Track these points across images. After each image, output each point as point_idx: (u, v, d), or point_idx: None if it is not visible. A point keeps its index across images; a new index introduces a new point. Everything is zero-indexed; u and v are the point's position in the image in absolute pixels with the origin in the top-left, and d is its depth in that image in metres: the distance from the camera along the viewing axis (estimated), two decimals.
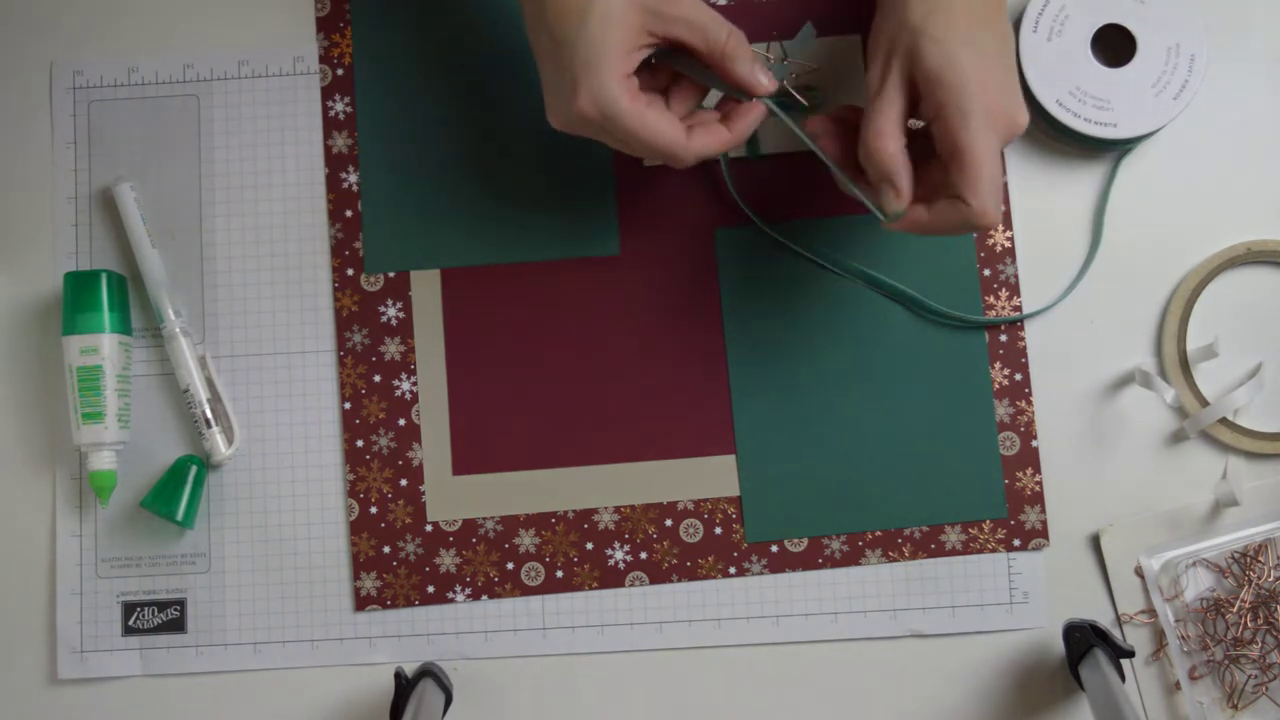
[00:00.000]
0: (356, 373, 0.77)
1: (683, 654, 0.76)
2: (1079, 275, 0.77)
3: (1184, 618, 0.75)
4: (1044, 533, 0.76)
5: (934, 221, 0.65)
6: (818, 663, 0.76)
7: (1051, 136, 0.77)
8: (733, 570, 0.76)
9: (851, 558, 0.76)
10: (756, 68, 0.66)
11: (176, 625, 0.77)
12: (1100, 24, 0.75)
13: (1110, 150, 0.77)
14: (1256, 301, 0.77)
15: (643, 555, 0.76)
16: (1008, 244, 0.77)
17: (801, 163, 0.77)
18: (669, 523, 0.76)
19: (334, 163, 0.78)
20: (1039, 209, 0.77)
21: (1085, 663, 0.72)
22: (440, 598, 0.76)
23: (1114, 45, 0.76)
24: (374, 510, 0.77)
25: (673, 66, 0.68)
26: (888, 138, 0.64)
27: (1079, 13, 0.75)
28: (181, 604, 0.77)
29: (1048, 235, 0.77)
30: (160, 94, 0.79)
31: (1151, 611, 0.75)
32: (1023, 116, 0.65)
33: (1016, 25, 0.75)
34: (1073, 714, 0.75)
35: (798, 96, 0.71)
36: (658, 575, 0.76)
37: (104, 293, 0.75)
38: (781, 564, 0.76)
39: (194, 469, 0.76)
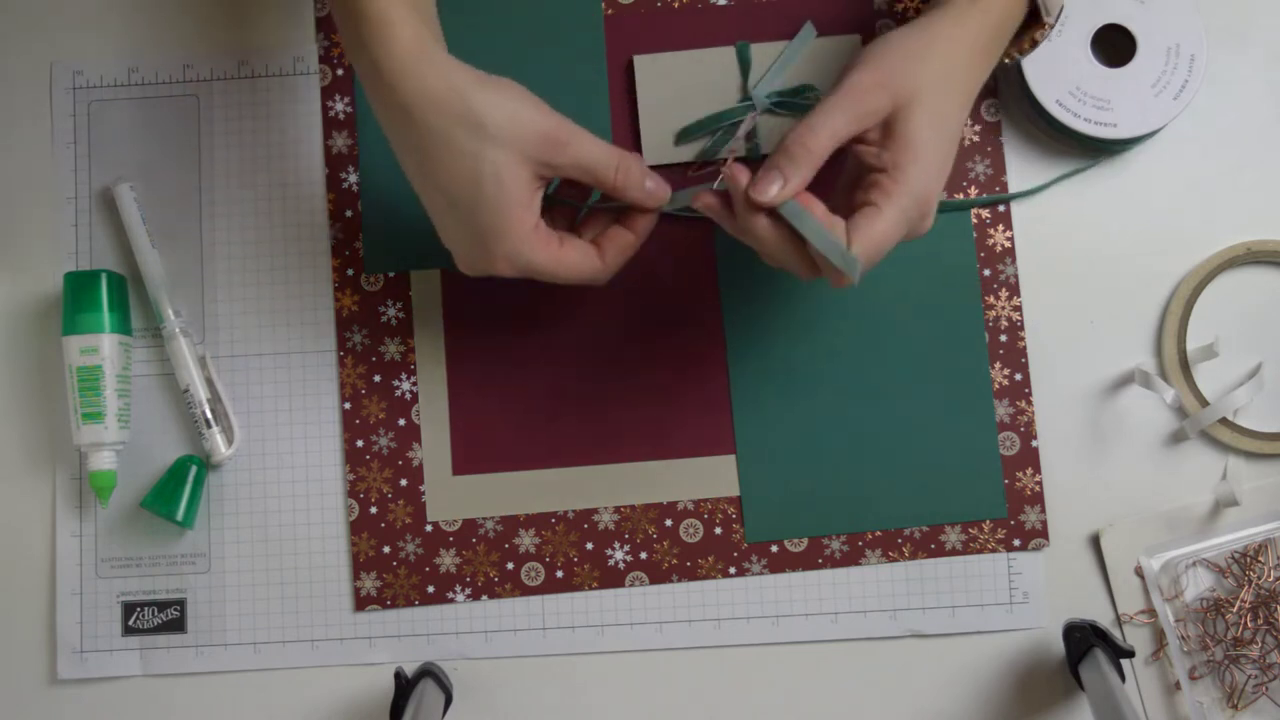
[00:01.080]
0: (356, 373, 0.77)
1: (683, 654, 0.76)
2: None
3: (1184, 618, 0.75)
4: (1044, 533, 0.76)
5: (791, 243, 0.62)
6: (818, 663, 0.76)
7: (1051, 136, 0.77)
8: (733, 570, 0.76)
9: (851, 558, 0.76)
10: (647, 185, 0.66)
11: (176, 625, 0.77)
12: (1100, 24, 0.75)
13: (1110, 150, 0.77)
14: (1256, 301, 0.77)
15: (643, 555, 0.76)
16: (1008, 244, 0.77)
17: None
18: (669, 523, 0.76)
19: (334, 163, 0.78)
20: (1039, 209, 0.77)
21: (1085, 663, 0.72)
22: (440, 598, 0.76)
23: (1114, 45, 0.76)
24: (374, 510, 0.77)
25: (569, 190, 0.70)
26: (824, 141, 0.62)
27: (1079, 12, 0.75)
28: (181, 604, 0.77)
29: (1048, 235, 0.77)
30: (160, 94, 0.79)
31: (1151, 611, 0.75)
32: (930, 224, 0.64)
33: None
34: (1073, 714, 0.75)
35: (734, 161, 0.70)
36: (658, 575, 0.76)
37: (104, 293, 0.75)
38: (781, 564, 0.76)
39: (194, 469, 0.76)
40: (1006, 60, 0.71)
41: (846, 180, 0.67)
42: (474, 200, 0.63)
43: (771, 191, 0.61)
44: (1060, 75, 0.75)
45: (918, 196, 0.62)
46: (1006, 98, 0.78)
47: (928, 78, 0.64)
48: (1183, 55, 0.75)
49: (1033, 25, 0.70)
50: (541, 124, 0.63)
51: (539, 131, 0.63)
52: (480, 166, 0.62)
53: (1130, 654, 0.71)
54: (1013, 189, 0.77)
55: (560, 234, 0.67)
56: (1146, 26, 0.75)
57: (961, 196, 0.77)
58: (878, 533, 0.76)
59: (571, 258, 0.66)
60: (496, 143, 0.62)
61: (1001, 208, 0.77)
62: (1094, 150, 0.77)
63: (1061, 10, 0.71)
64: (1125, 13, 0.75)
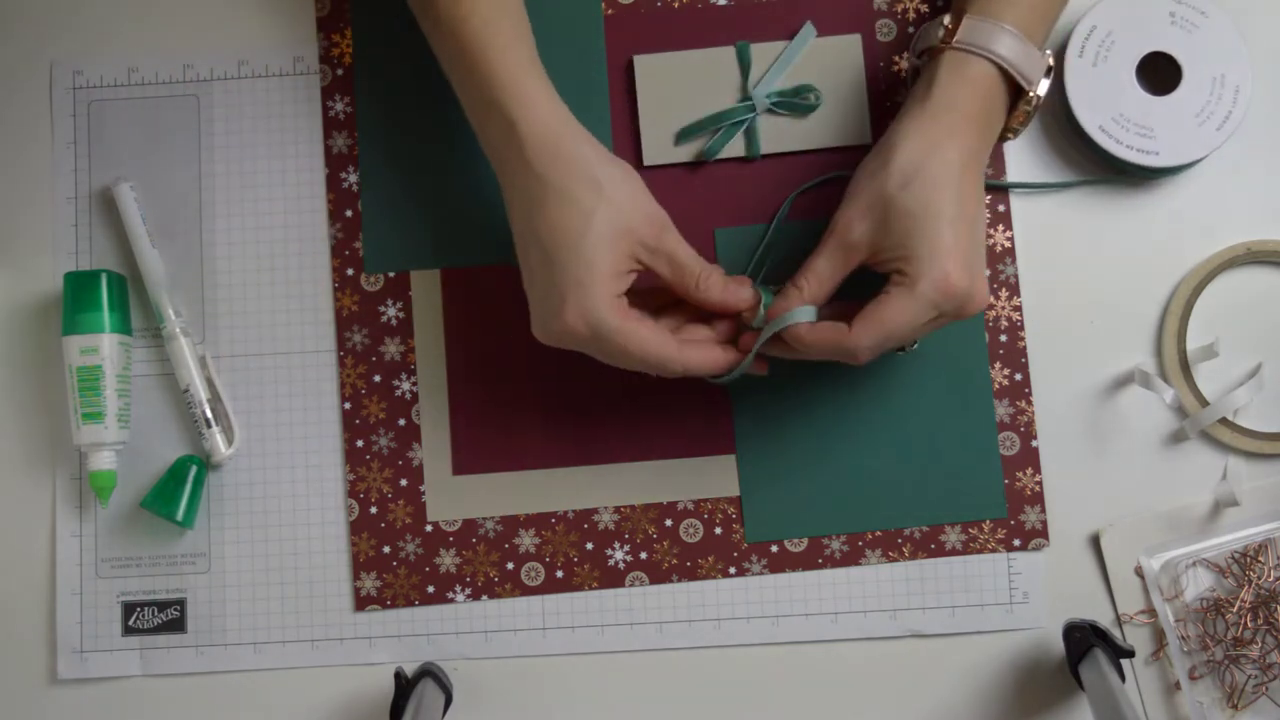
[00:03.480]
0: (356, 373, 0.77)
1: (683, 654, 0.76)
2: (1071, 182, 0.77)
3: (1184, 618, 0.75)
4: (1044, 533, 0.76)
5: (817, 335, 0.68)
6: (818, 663, 0.76)
7: (1093, 162, 0.77)
8: (733, 570, 0.76)
9: (851, 558, 0.76)
10: (730, 287, 0.69)
11: (176, 625, 0.77)
12: (1146, 51, 0.75)
13: (1151, 178, 0.77)
14: (1256, 301, 0.77)
15: (643, 555, 0.76)
16: (1008, 244, 0.77)
17: (800, 163, 0.77)
18: (669, 523, 0.76)
19: (334, 163, 0.78)
20: (1040, 209, 0.77)
21: (1085, 663, 0.72)
22: (440, 598, 0.76)
23: (1160, 72, 0.75)
24: (374, 510, 0.77)
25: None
26: (825, 285, 0.68)
27: (1125, 39, 0.75)
28: (181, 604, 0.77)
29: (1048, 235, 0.77)
30: (160, 94, 0.79)
31: (1151, 611, 0.75)
32: (980, 299, 0.66)
33: (1062, 50, 0.75)
34: (1073, 714, 0.75)
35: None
36: (658, 575, 0.76)
37: (104, 293, 0.75)
38: (781, 564, 0.76)
39: (194, 469, 0.76)
40: (1009, 135, 0.71)
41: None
42: (571, 252, 0.66)
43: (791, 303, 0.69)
44: (1104, 101, 0.75)
45: (932, 280, 0.65)
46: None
47: (893, 181, 0.66)
48: (1228, 86, 0.75)
49: (1020, 98, 0.69)
50: (652, 207, 0.68)
51: (648, 213, 0.68)
52: (589, 223, 0.66)
53: (1130, 654, 0.71)
54: (1013, 190, 0.77)
55: (639, 313, 0.68)
56: (1192, 55, 0.75)
57: None
58: (878, 533, 0.76)
59: (645, 333, 0.67)
60: (611, 207, 0.66)
61: (1001, 207, 0.77)
62: (1136, 178, 0.77)
63: (1050, 71, 0.70)
64: (1172, 40, 0.75)
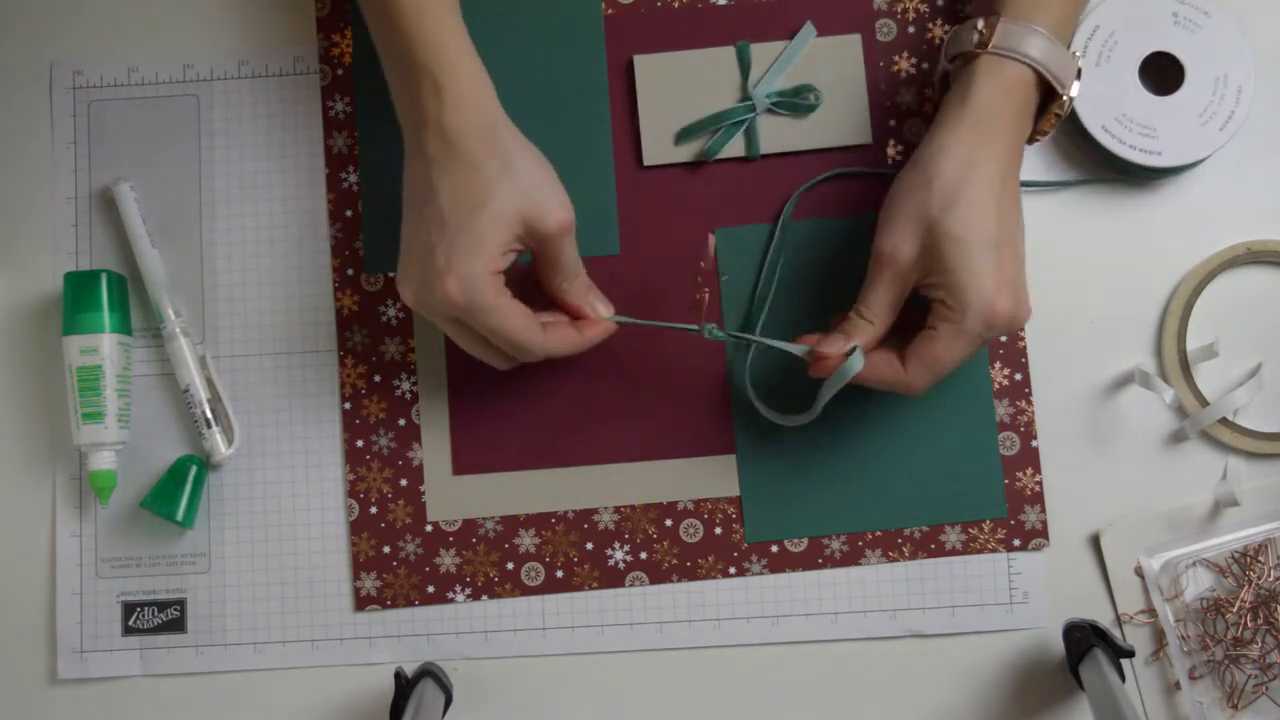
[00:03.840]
0: (356, 373, 0.77)
1: (683, 654, 0.76)
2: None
3: (1184, 618, 0.75)
4: (1044, 533, 0.76)
5: (875, 374, 0.69)
6: (818, 663, 0.76)
7: (1095, 161, 0.77)
8: (733, 570, 0.76)
9: (851, 558, 0.76)
10: (589, 297, 0.71)
11: (176, 625, 0.77)
12: (1149, 51, 0.75)
13: (1153, 178, 0.77)
14: (1256, 301, 0.77)
15: (643, 555, 0.76)
16: None
17: (800, 163, 0.77)
18: (669, 523, 0.76)
19: (334, 163, 0.78)
20: (1039, 208, 0.77)
21: (1085, 663, 0.72)
22: (440, 598, 0.76)
23: (1163, 72, 0.75)
24: (374, 510, 0.77)
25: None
26: (885, 315, 0.69)
27: (1128, 39, 0.75)
28: (181, 604, 0.77)
29: (1048, 235, 0.77)
30: (160, 94, 0.79)
31: (1151, 611, 0.75)
32: (1024, 316, 0.67)
33: None
34: (1073, 714, 0.75)
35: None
36: (658, 575, 0.76)
37: (104, 293, 0.75)
38: (781, 564, 0.76)
39: (194, 469, 0.76)
40: (1037, 138, 0.71)
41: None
42: (464, 220, 0.66)
43: (840, 348, 0.69)
44: (1108, 101, 0.75)
45: (979, 312, 0.66)
46: None
47: (935, 201, 0.66)
48: (1230, 86, 0.75)
49: (1051, 101, 0.69)
50: (560, 199, 0.68)
51: (559, 204, 0.68)
52: (489, 198, 0.66)
53: (1130, 654, 0.71)
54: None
55: (509, 294, 0.68)
56: (1195, 55, 0.75)
57: None
58: (878, 533, 0.76)
59: (514, 313, 0.68)
60: (515, 188, 0.67)
61: None
62: (1139, 178, 0.77)
63: (1080, 73, 0.70)
64: (1175, 40, 0.75)
